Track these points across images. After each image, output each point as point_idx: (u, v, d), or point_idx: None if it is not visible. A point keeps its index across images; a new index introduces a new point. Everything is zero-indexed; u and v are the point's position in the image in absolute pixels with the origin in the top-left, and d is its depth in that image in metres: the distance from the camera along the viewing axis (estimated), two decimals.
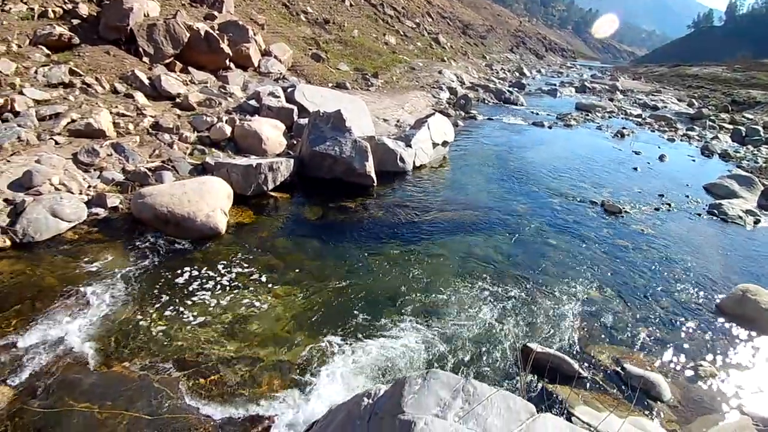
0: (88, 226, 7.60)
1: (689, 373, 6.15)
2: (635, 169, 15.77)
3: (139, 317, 5.83)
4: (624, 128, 22.49)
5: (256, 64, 17.43)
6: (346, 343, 5.83)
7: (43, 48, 11.87)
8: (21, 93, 9.87)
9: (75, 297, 5.98)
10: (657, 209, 11.99)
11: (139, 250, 7.21)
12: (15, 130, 8.65)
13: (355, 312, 6.47)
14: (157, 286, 6.46)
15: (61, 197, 7.54)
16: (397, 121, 17.31)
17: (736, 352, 6.70)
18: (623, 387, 5.70)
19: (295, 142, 12.11)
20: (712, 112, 30.67)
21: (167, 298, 6.27)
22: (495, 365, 5.79)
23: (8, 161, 8.05)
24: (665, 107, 32.81)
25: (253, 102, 13.45)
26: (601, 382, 5.74)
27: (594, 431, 3.42)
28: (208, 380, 5.05)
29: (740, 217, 12.05)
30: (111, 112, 10.49)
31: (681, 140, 22.25)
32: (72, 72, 11.51)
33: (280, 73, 18.05)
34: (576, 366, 5.75)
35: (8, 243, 6.76)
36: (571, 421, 3.63)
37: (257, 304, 6.40)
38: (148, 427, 4.41)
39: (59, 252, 6.90)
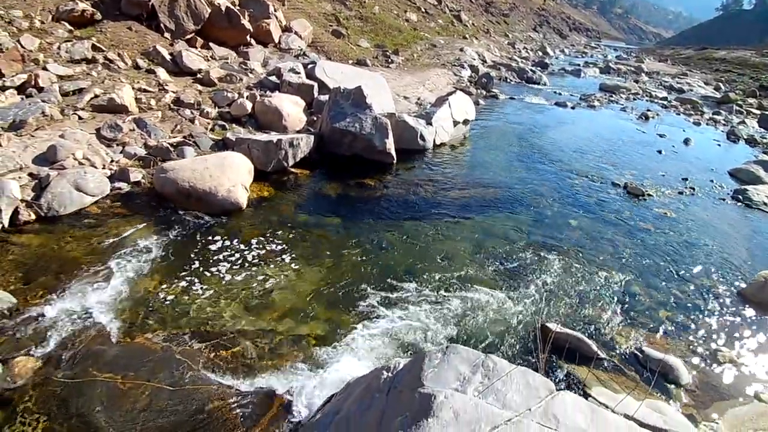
0: (111, 201, 7.70)
1: (708, 358, 6.10)
2: (659, 152, 15.49)
3: (162, 290, 5.93)
4: (649, 110, 22.07)
5: (276, 40, 17.36)
6: (365, 318, 5.89)
7: (66, 24, 11.95)
8: (44, 69, 9.96)
9: (98, 270, 6.08)
10: (681, 193, 11.81)
11: (162, 225, 7.30)
12: (39, 105, 8.75)
13: (374, 287, 6.50)
14: (179, 260, 6.55)
15: (85, 172, 7.64)
16: (418, 98, 17.17)
17: (757, 339, 6.62)
18: (641, 370, 5.68)
19: (315, 118, 12.10)
20: (739, 97, 29.88)
21: (189, 271, 6.35)
22: (513, 343, 5.80)
23: (33, 136, 8.16)
24: (691, 90, 32.05)
25: (273, 78, 13.43)
26: (619, 364, 5.72)
27: (611, 412, 3.42)
28: (228, 352, 5.13)
29: (765, 204, 11.80)
30: (133, 88, 10.56)
31: (707, 124, 21.77)
32: (94, 48, 11.57)
33: (301, 50, 17.96)
34: (594, 347, 5.74)
35: (33, 217, 6.88)
36: None
37: (277, 278, 6.47)
38: (170, 398, 4.50)
39: (83, 226, 7.00)
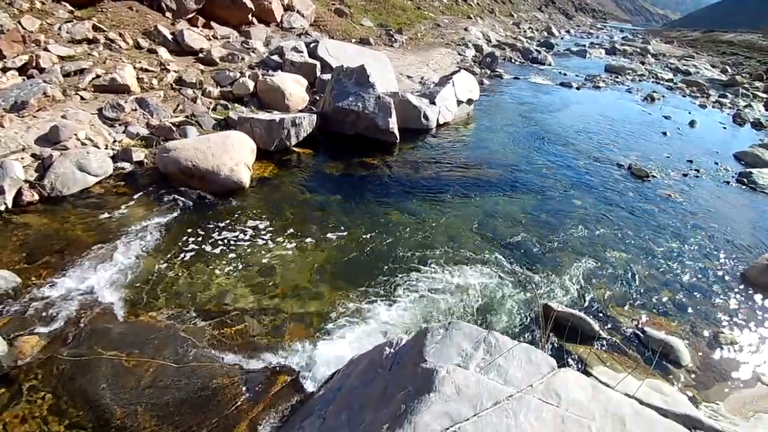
0: (114, 180, 7.71)
1: (709, 339, 6.10)
2: (664, 133, 15.38)
3: (165, 268, 5.95)
4: (654, 92, 21.88)
5: (278, 19, 17.21)
6: (368, 295, 5.91)
7: (66, 4, 11.84)
8: (46, 49, 9.89)
9: (102, 249, 6.10)
10: (685, 175, 11.74)
11: (165, 203, 7.31)
12: (41, 86, 8.70)
13: (377, 265, 6.53)
14: (183, 238, 6.57)
15: (88, 152, 7.63)
16: (421, 78, 17.06)
17: (758, 321, 6.60)
18: (643, 350, 5.69)
19: (318, 97, 12.04)
20: (746, 80, 29.60)
21: (192, 249, 6.38)
22: (515, 322, 5.83)
23: (35, 117, 8.13)
24: (697, 73, 31.74)
25: (275, 57, 13.31)
26: (620, 344, 5.73)
27: (613, 390, 3.43)
28: (232, 330, 5.16)
29: None
30: (135, 68, 10.50)
31: (713, 107, 21.60)
32: (95, 28, 11.48)
33: (303, 28, 17.81)
34: (596, 327, 5.75)
35: (37, 197, 6.89)
36: None
37: (280, 256, 6.49)
38: (175, 375, 4.53)
39: (87, 205, 7.02)
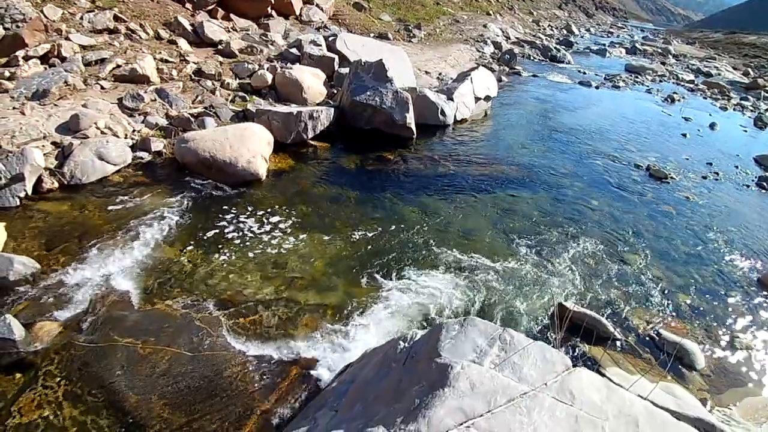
0: (133, 170, 7.79)
1: (724, 344, 6.03)
2: (684, 135, 15.20)
3: (182, 258, 6.00)
4: (675, 93, 21.63)
5: (297, 12, 17.26)
6: (382, 289, 5.92)
7: None
8: (67, 39, 10.01)
9: (120, 237, 6.16)
10: (704, 177, 11.60)
11: (182, 194, 7.36)
12: (62, 74, 8.80)
13: (392, 260, 6.53)
14: (199, 229, 6.62)
15: (107, 141, 7.70)
16: (439, 73, 17.01)
17: None
18: (657, 352, 5.64)
19: (335, 91, 12.04)
20: None
21: (209, 239, 6.43)
22: (530, 320, 5.80)
23: (56, 105, 8.23)
24: (719, 75, 31.27)
25: (294, 50, 13.35)
26: (635, 346, 5.69)
27: (627, 391, 3.41)
28: (247, 320, 5.20)
29: None
30: (155, 58, 10.59)
31: (734, 109, 21.29)
32: (116, 18, 11.60)
33: (322, 22, 17.85)
34: (611, 328, 5.71)
35: (56, 185, 6.98)
36: None
37: (295, 248, 6.51)
38: (189, 363, 4.58)
39: (105, 194, 7.09)
